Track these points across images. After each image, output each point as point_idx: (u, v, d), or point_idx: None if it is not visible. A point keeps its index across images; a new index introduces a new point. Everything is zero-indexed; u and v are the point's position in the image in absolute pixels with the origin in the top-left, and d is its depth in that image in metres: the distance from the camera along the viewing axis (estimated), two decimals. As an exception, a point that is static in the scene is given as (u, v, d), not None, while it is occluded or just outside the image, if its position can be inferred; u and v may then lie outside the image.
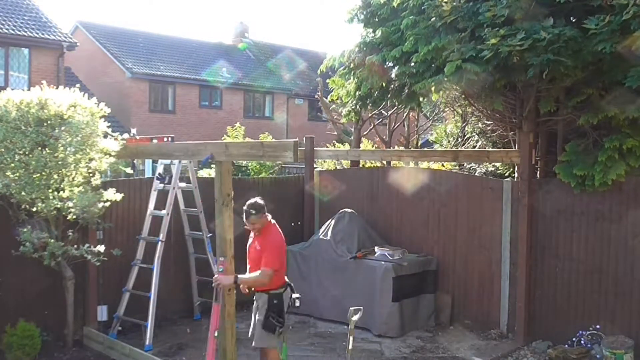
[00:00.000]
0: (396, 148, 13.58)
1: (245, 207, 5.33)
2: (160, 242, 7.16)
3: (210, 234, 7.63)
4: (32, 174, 6.00)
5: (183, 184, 7.63)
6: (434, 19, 6.93)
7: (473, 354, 6.64)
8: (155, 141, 7.44)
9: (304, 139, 9.20)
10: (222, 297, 5.39)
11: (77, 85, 7.04)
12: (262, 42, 30.84)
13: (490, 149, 9.39)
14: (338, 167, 11.99)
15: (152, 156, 7.29)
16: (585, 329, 6.55)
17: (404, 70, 7.61)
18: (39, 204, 6.02)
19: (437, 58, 6.85)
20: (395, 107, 12.04)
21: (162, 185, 7.45)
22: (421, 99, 8.78)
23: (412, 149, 13.68)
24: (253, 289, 5.39)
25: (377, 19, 8.36)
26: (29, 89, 6.49)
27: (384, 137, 13.94)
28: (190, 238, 7.93)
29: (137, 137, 7.48)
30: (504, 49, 5.98)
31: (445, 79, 6.64)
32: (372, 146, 14.37)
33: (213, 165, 12.13)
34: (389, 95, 8.69)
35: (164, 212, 7.26)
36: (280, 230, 5.51)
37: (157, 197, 7.44)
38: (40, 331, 6.28)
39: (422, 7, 7.25)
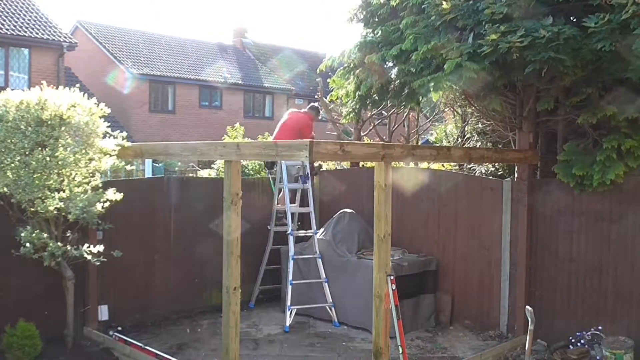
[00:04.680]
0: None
1: None
2: None
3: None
4: (32, 174, 5.99)
5: None
6: (433, 17, 6.93)
7: (473, 354, 6.63)
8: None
9: (304, 139, 9.21)
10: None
11: (77, 85, 7.04)
12: (262, 42, 30.88)
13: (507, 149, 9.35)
14: (338, 167, 11.99)
15: (159, 156, 7.27)
16: (585, 329, 6.54)
17: (403, 69, 7.60)
18: (39, 204, 6.02)
19: (437, 56, 6.84)
20: (395, 108, 12.03)
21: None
22: (421, 99, 8.76)
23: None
24: None
25: (376, 19, 8.37)
26: (29, 89, 6.48)
27: (384, 137, 13.92)
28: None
29: None
30: (504, 45, 5.97)
31: (445, 77, 6.63)
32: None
33: (213, 166, 12.05)
34: (389, 95, 8.68)
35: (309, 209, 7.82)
36: None
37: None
38: (40, 331, 6.27)
39: (422, 7, 7.25)
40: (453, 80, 6.54)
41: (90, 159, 6.42)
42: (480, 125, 9.66)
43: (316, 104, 8.17)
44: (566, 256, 6.86)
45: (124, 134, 6.93)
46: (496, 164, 9.35)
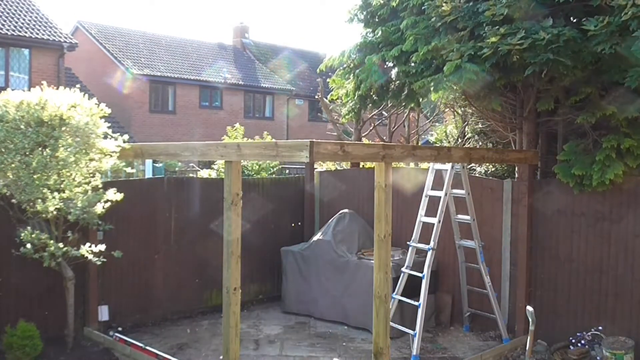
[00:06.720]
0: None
1: None
2: (431, 250, 6.79)
3: (483, 243, 7.21)
4: (32, 175, 6.00)
5: (456, 190, 7.17)
6: (433, 18, 6.94)
7: (473, 354, 6.63)
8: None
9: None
10: None
11: (78, 85, 7.04)
12: (262, 43, 30.86)
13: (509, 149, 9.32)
14: (338, 168, 11.99)
15: (159, 156, 7.24)
16: (586, 330, 6.54)
17: (403, 70, 7.61)
18: (39, 205, 6.02)
19: (437, 57, 6.85)
20: (395, 108, 12.04)
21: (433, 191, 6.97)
22: (421, 99, 8.77)
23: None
24: None
25: (376, 19, 8.38)
26: (29, 90, 6.48)
27: (384, 137, 13.92)
28: (461, 247, 7.48)
29: None
30: (504, 48, 5.97)
31: (445, 78, 6.64)
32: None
33: (213, 166, 12.05)
34: (389, 95, 8.69)
35: (434, 219, 6.87)
36: None
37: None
38: (40, 332, 6.27)
39: (422, 7, 7.25)
40: (453, 80, 6.54)
41: (91, 160, 6.42)
42: (480, 126, 9.66)
43: None
44: (566, 256, 6.86)
45: (126, 137, 6.92)
46: (496, 164, 9.35)
